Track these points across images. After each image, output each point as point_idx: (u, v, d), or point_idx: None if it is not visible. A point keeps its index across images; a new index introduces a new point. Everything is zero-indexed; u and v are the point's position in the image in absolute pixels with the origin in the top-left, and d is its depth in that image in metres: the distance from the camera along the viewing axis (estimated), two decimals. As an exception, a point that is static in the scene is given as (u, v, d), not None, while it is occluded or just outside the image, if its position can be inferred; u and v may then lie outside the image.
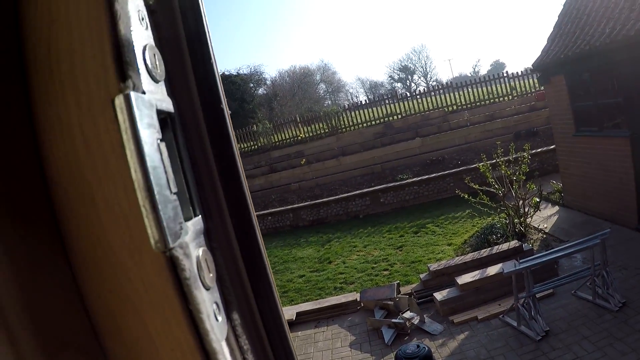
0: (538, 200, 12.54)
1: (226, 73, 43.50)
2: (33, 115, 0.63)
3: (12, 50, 0.62)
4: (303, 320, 9.96)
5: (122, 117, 0.56)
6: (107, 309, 0.65)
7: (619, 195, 11.15)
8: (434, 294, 9.45)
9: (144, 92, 0.60)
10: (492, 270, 9.32)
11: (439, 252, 12.72)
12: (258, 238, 0.82)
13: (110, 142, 0.58)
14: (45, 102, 0.62)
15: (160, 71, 0.65)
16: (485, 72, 76.48)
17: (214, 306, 0.67)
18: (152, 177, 0.57)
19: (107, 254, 0.62)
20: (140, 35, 0.62)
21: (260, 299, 0.81)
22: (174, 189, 0.62)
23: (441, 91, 28.20)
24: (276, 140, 28.64)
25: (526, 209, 12.26)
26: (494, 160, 13.16)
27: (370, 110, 28.09)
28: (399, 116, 27.64)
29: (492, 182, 12.33)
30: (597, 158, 11.87)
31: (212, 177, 0.76)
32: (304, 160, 24.80)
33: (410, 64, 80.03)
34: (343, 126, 27.70)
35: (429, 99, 27.77)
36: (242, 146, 29.70)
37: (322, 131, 27.56)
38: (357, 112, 28.11)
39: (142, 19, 0.64)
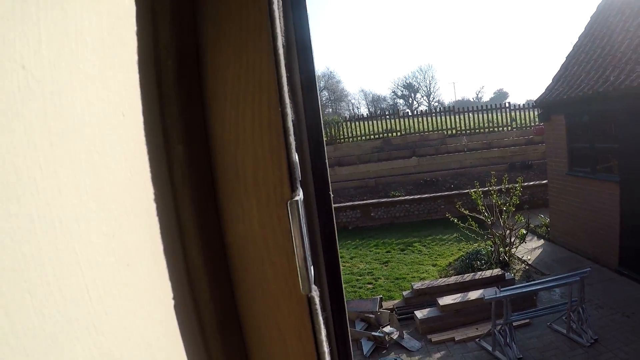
0: (525, 232, 12.80)
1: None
2: (219, 207, 0.93)
3: (204, 159, 0.91)
4: (285, 324, 10.10)
5: (292, 215, 0.86)
6: (259, 330, 0.97)
7: (604, 236, 11.45)
8: (415, 312, 9.69)
9: (300, 195, 0.89)
10: (473, 295, 9.59)
11: (424, 271, 12.95)
12: (341, 280, 1.11)
13: (281, 228, 0.88)
14: (231, 196, 0.91)
15: (299, 173, 0.92)
16: (488, 100, 76.75)
17: (324, 329, 0.98)
18: (305, 252, 0.88)
19: (266, 294, 0.93)
20: (294, 150, 0.89)
21: (337, 320, 1.12)
22: (309, 254, 0.91)
23: (442, 113, 28.36)
24: (274, 143, 28.52)
25: (512, 239, 12.54)
26: (487, 189, 13.44)
27: (370, 123, 28.07)
28: (399, 133, 27.85)
29: (482, 209, 12.61)
30: (586, 198, 12.17)
31: (316, 242, 1.05)
32: (299, 166, 24.80)
33: (414, 82, 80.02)
34: (342, 137, 27.76)
35: (429, 119, 27.96)
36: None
37: (321, 139, 27.50)
38: (357, 123, 28.00)
39: (293, 135, 0.90)
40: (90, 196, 0.61)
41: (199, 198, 0.88)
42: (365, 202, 20.27)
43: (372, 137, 27.29)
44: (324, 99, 63.60)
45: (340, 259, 1.11)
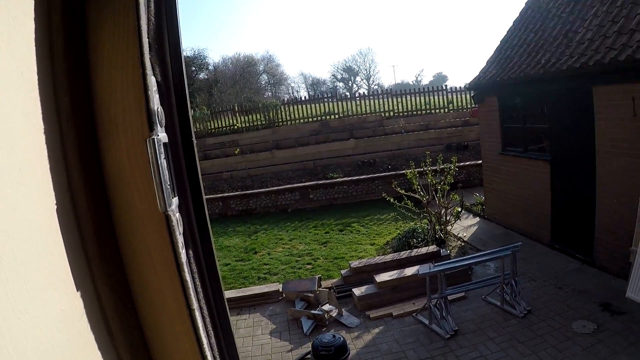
0: (460, 210, 13.04)
1: (168, 53, 42.60)
2: (98, 143, 1.17)
3: (86, 107, 1.15)
4: (226, 306, 10.08)
5: (150, 149, 1.10)
6: (128, 240, 1.21)
7: (536, 213, 11.80)
8: (353, 290, 9.79)
9: (158, 135, 1.12)
10: (409, 271, 9.75)
11: (362, 250, 13.09)
12: (205, 209, 1.37)
13: (143, 160, 1.13)
14: (106, 136, 1.16)
15: (163, 120, 1.18)
16: (428, 83, 77.80)
17: (181, 243, 1.21)
18: (162, 178, 1.11)
19: (134, 213, 1.18)
20: (155, 101, 1.14)
21: (203, 242, 1.36)
22: (169, 183, 1.15)
23: (381, 96, 28.52)
24: (212, 127, 28.24)
25: (448, 218, 12.76)
26: (422, 169, 13.64)
27: (309, 106, 28.04)
28: (337, 116, 27.86)
29: (418, 189, 12.78)
30: (519, 177, 12.49)
31: (183, 177, 1.29)
32: (238, 150, 24.61)
33: (354, 65, 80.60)
34: (280, 120, 27.57)
35: (368, 102, 28.15)
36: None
37: (259, 123, 27.34)
38: (296, 106, 27.91)
39: (155, 91, 1.15)
40: None
41: (81, 135, 1.13)
42: (303, 184, 20.26)
43: (310, 119, 27.24)
44: (263, 83, 63.18)
45: (204, 198, 1.39)
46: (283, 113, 27.79)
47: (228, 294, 10.56)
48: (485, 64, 14.13)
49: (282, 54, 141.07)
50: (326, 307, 9.22)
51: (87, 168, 1.14)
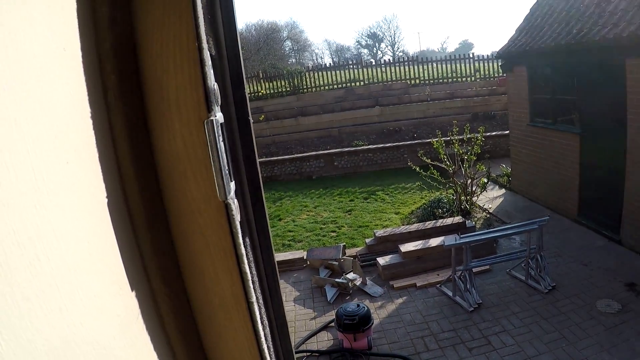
0: (486, 181, 12.94)
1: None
2: (148, 124, 1.10)
3: (135, 85, 1.06)
4: (250, 272, 10.16)
5: (208, 131, 1.03)
6: (184, 233, 1.15)
7: (563, 187, 11.67)
8: (377, 259, 9.80)
9: (216, 115, 1.06)
10: (434, 242, 9.75)
11: (386, 219, 13.11)
12: (262, 194, 1.30)
13: (200, 143, 1.07)
14: (158, 117, 1.08)
15: (218, 99, 1.10)
16: (453, 50, 76.86)
17: (241, 233, 1.15)
18: (221, 164, 1.05)
19: (189, 202, 1.12)
20: (212, 77, 1.06)
21: (260, 230, 1.31)
22: (227, 168, 1.08)
23: (406, 63, 28.24)
24: (237, 93, 28.28)
25: (473, 188, 12.71)
26: (449, 138, 13.56)
27: (333, 73, 27.85)
28: (362, 83, 27.62)
29: (444, 158, 12.71)
30: (547, 149, 12.32)
31: (239, 160, 1.22)
32: (262, 116, 24.55)
33: (379, 32, 79.75)
34: (305, 86, 27.38)
35: (393, 69, 27.82)
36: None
37: (284, 89, 27.25)
38: (320, 73, 27.77)
39: (210, 66, 1.06)
40: (37, 104, 0.77)
41: (130, 119, 1.05)
42: (328, 151, 20.24)
43: (335, 86, 27.08)
44: (287, 49, 62.73)
45: (261, 181, 1.32)
46: (308, 80, 27.57)
47: (252, 260, 10.63)
48: (514, 32, 13.85)
49: (306, 20, 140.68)
50: (350, 275, 9.27)
51: (138, 155, 1.07)
